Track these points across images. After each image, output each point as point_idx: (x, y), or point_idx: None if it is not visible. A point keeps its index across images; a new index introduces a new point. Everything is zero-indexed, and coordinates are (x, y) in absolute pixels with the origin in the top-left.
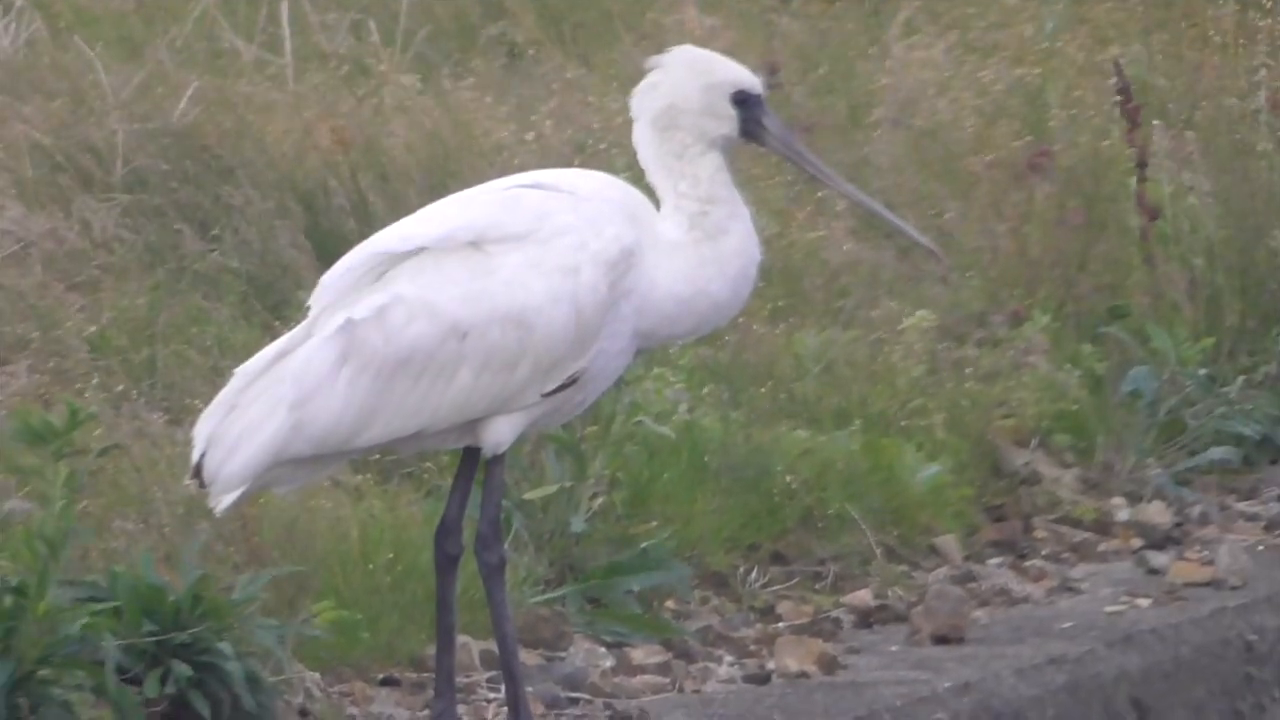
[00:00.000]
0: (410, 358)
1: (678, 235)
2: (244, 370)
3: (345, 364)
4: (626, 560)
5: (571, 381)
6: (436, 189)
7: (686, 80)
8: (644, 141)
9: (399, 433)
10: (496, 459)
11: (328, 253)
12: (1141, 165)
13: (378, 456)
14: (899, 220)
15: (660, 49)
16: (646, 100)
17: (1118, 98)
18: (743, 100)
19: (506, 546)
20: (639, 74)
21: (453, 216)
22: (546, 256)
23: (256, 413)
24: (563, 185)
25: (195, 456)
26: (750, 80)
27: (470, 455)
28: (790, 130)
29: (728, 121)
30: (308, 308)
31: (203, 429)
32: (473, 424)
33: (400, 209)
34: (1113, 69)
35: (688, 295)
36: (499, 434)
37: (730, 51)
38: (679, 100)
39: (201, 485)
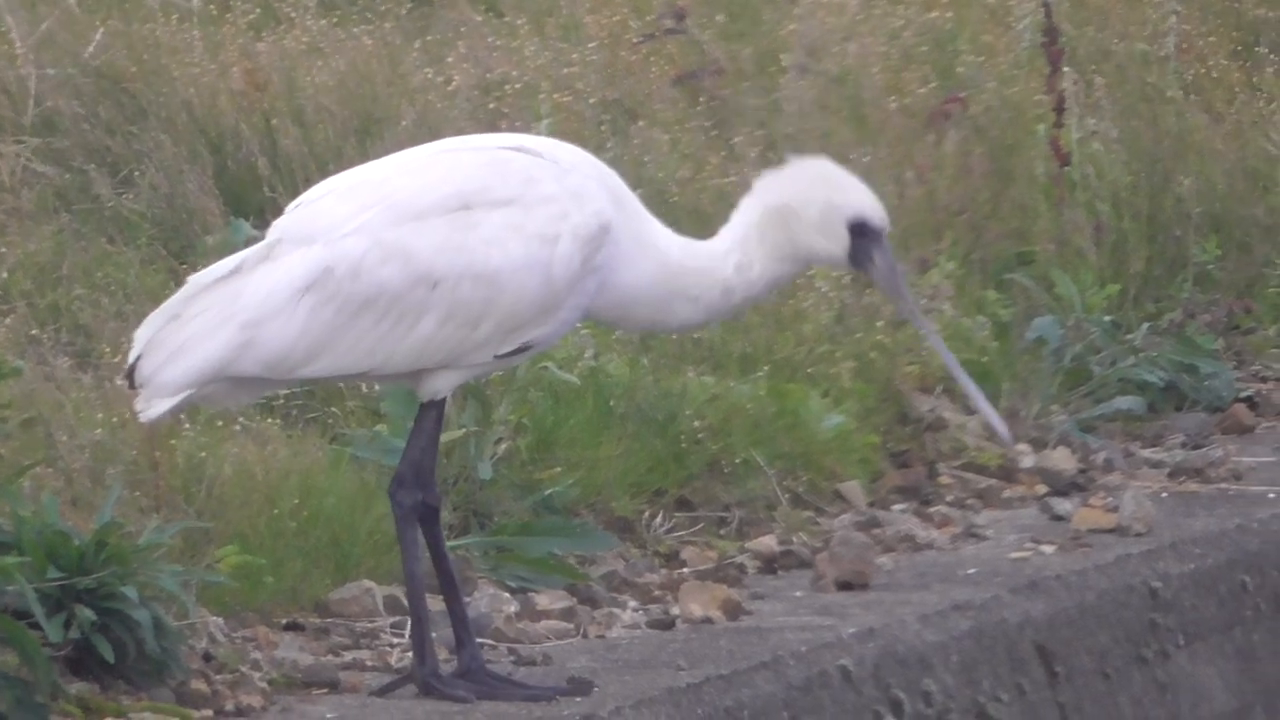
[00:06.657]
0: (377, 298)
1: (719, 250)
2: (195, 280)
3: (309, 293)
4: (542, 521)
5: (527, 347)
6: (356, 133)
7: (810, 191)
8: (750, 209)
9: (348, 370)
10: (432, 404)
11: (236, 198)
12: (1059, 110)
13: (281, 401)
14: (976, 390)
15: None
16: (770, 189)
17: (1042, 40)
18: (860, 231)
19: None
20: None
21: (439, 182)
22: (528, 222)
23: (203, 324)
24: (544, 152)
25: (131, 359)
26: (875, 212)
27: None
28: (897, 270)
29: (838, 243)
30: (268, 232)
31: (143, 332)
32: (418, 372)
33: (314, 153)
34: (1021, 15)
35: (658, 299)
36: (440, 383)
37: None
38: (797, 206)
39: (132, 387)
